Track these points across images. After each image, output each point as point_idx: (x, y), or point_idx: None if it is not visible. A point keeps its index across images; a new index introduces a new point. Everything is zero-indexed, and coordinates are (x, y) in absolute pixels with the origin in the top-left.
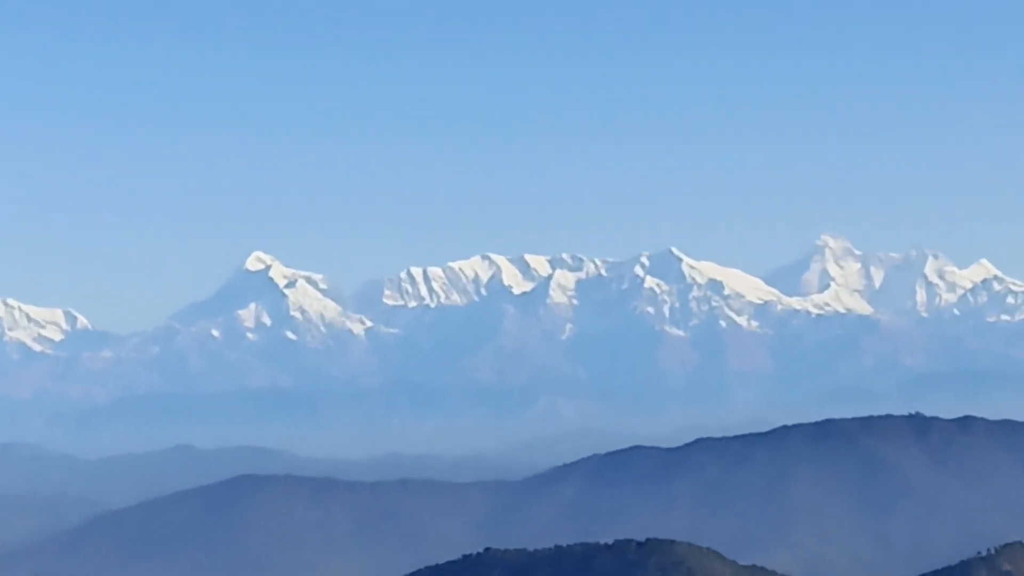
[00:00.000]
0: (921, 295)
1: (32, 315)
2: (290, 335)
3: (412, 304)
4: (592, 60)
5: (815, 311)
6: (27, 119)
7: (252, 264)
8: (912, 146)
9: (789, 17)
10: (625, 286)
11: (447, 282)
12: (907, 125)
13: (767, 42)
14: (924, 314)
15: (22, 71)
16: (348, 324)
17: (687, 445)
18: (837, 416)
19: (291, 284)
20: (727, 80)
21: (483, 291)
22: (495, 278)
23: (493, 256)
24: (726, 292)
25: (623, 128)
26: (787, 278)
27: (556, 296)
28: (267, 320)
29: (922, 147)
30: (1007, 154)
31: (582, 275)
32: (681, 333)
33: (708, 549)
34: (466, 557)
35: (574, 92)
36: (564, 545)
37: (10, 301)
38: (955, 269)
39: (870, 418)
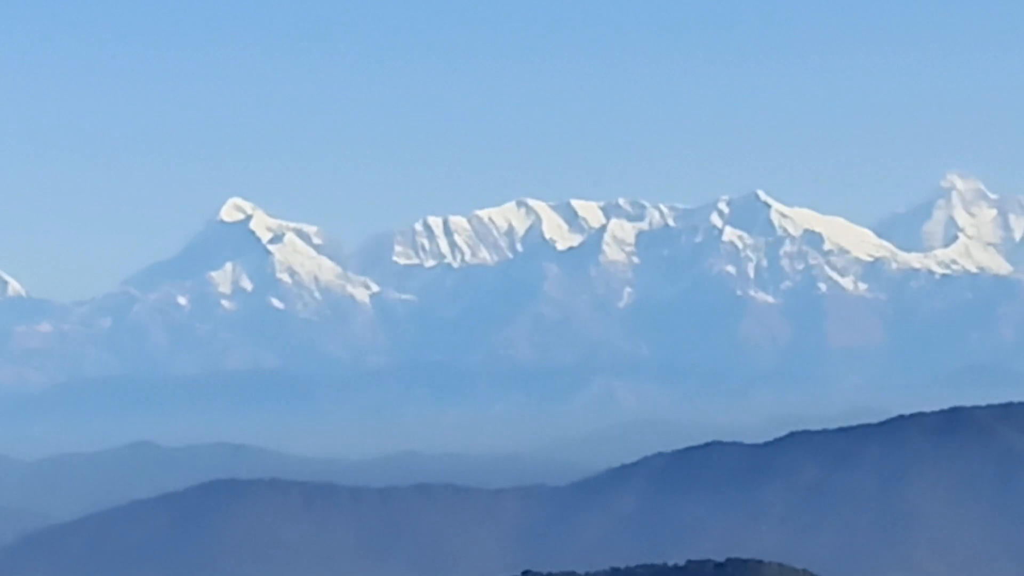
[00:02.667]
0: None
1: None
2: (276, 303)
3: (430, 263)
4: None
5: (940, 270)
6: None
7: (228, 214)
8: None
9: None
10: (699, 239)
11: (473, 235)
12: None
13: None
14: None
15: None
16: (350, 289)
17: (778, 440)
18: (968, 403)
19: (277, 239)
20: None
21: (519, 246)
22: (534, 230)
23: (531, 203)
24: (827, 247)
25: (695, 44)
26: (904, 229)
27: (611, 252)
28: (247, 284)
29: None
30: None
31: (644, 226)
32: (770, 299)
33: (805, 572)
34: None
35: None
36: (623, 567)
37: None
38: None
39: (1010, 405)
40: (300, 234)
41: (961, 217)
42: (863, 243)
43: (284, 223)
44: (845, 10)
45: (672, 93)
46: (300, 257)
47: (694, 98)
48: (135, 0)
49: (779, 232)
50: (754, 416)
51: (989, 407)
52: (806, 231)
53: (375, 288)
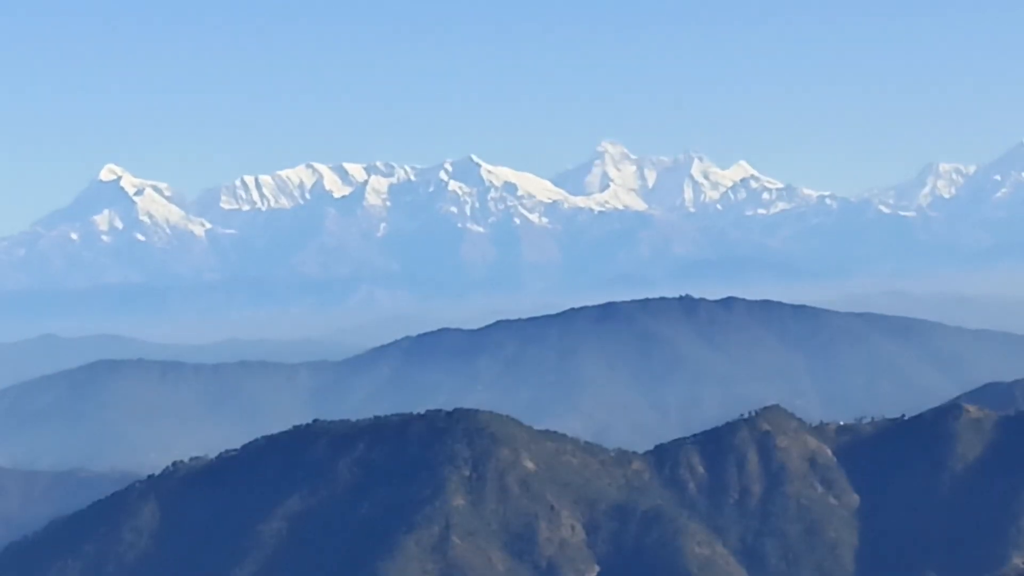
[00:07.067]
0: (688, 193)
1: None
2: (139, 237)
3: (246, 208)
4: None
5: (597, 208)
6: None
7: (105, 175)
8: (674, 59)
9: None
10: (431, 189)
11: (276, 188)
12: (668, 38)
13: None
14: (691, 209)
15: None
16: (190, 226)
17: (488, 327)
18: (617, 299)
19: (139, 192)
20: None
21: (307, 196)
22: (318, 184)
23: (316, 165)
24: (520, 193)
25: (429, 44)
26: (572, 180)
27: (371, 199)
28: (119, 224)
29: (683, 59)
30: (760, 62)
31: (394, 180)
32: (481, 229)
33: (508, 417)
34: (296, 428)
35: (379, 8)
36: (382, 416)
37: None
38: (717, 170)
39: (646, 301)
40: (155, 189)
41: (611, 171)
42: (545, 190)
43: (144, 181)
44: (523, 9)
45: (410, 83)
46: (156, 205)
47: (426, 86)
48: None
49: (487, 184)
50: (471, 311)
51: (633, 302)
52: (506, 182)
53: (208, 226)
